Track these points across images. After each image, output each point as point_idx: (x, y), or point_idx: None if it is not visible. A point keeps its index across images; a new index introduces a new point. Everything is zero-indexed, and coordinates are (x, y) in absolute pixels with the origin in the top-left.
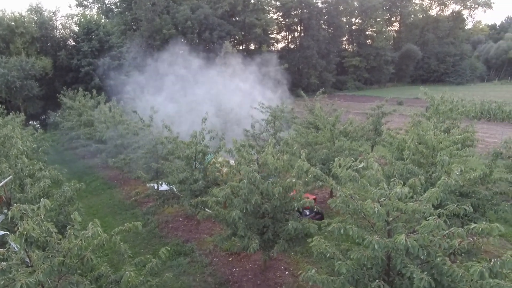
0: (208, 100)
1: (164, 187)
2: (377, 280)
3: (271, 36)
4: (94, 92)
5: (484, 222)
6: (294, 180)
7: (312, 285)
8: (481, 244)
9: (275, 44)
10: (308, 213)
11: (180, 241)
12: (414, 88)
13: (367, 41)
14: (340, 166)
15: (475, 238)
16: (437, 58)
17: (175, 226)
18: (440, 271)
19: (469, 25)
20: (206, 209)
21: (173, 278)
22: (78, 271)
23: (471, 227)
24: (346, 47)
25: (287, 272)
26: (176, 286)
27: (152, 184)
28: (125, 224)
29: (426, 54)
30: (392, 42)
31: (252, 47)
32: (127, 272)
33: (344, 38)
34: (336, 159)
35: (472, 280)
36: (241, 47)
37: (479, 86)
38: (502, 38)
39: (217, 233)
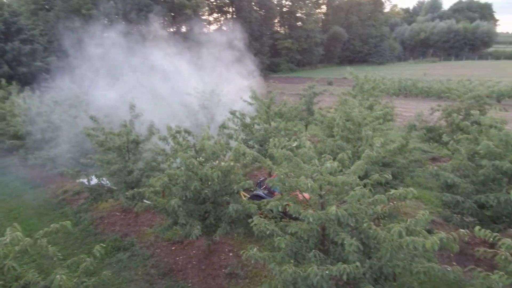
0: (140, 87)
1: (95, 181)
2: (313, 250)
3: (202, 17)
4: (3, 81)
5: (401, 188)
6: (232, 163)
7: (256, 263)
8: (400, 207)
9: (208, 26)
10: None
11: (118, 236)
12: (342, 69)
13: (298, 23)
14: (275, 146)
15: (395, 202)
16: (361, 39)
17: (112, 221)
18: (367, 235)
19: (387, 8)
20: (144, 200)
21: (113, 275)
22: (0, 282)
23: (391, 193)
24: (278, 29)
25: (231, 254)
26: (117, 283)
27: (81, 180)
28: (52, 225)
29: (351, 36)
30: (320, 24)
31: (183, 29)
32: (58, 276)
33: (276, 20)
34: (271, 140)
35: (392, 240)
36: (171, 29)
37: (397, 65)
38: (414, 21)
39: (158, 223)
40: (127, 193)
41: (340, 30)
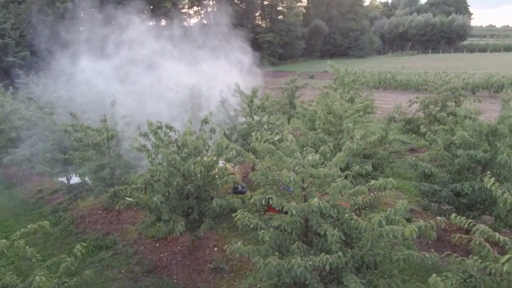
0: (119, 81)
1: (75, 179)
2: (296, 242)
3: (182, 10)
4: None
5: (381, 179)
6: (215, 158)
7: (241, 257)
8: (380, 198)
9: (188, 19)
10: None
11: (100, 235)
12: (323, 62)
13: (279, 17)
14: (257, 140)
15: (375, 193)
16: (341, 33)
17: (93, 220)
18: (348, 225)
19: (366, 2)
20: (126, 198)
21: (95, 274)
22: None
23: (371, 184)
24: (260, 23)
25: (216, 249)
26: (100, 282)
27: (60, 179)
28: (29, 226)
29: (332, 30)
30: (301, 18)
31: (163, 23)
32: (37, 277)
33: (257, 14)
34: (253, 134)
35: (373, 229)
36: (151, 23)
37: (377, 58)
38: (393, 14)
39: (141, 221)
40: (108, 191)
41: (321, 23)
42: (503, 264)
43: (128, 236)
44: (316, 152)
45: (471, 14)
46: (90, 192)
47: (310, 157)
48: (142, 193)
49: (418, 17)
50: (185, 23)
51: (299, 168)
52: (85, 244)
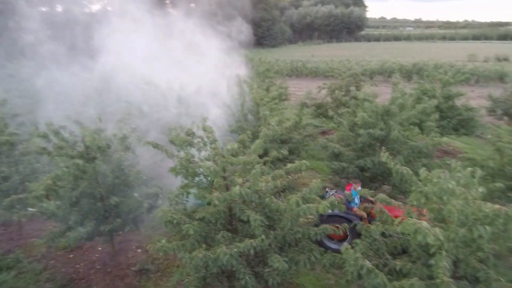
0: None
1: None
2: (221, 231)
3: None
4: None
5: (297, 161)
6: (124, 154)
7: (167, 254)
8: (297, 179)
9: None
10: None
11: None
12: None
13: (191, 5)
14: (175, 132)
15: (292, 175)
16: (255, 23)
17: None
18: (270, 209)
19: None
20: (28, 208)
21: None
22: None
23: (288, 167)
24: None
25: (140, 250)
26: None
27: None
28: None
29: (245, 19)
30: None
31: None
32: None
33: (167, 1)
34: (169, 126)
35: (292, 210)
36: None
37: (289, 47)
38: (301, 5)
39: (49, 232)
40: (4, 202)
41: (233, 13)
42: (397, 225)
43: (35, 251)
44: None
45: (366, 6)
46: None
47: (229, 146)
48: (46, 201)
49: (323, 8)
50: None
51: (219, 158)
52: None
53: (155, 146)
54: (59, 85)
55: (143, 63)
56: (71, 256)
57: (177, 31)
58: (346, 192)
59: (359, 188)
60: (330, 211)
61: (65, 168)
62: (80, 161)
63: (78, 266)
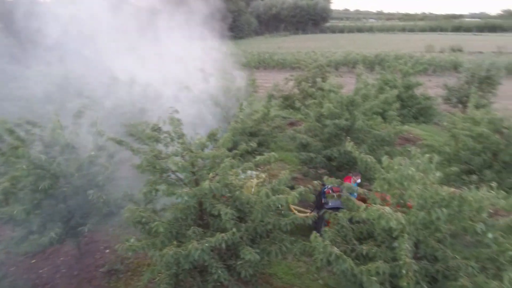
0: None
1: None
2: (192, 227)
3: None
4: None
5: (266, 154)
6: (93, 153)
7: (137, 253)
8: (267, 171)
9: None
10: None
11: None
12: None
13: None
14: (141, 127)
15: (262, 167)
16: (220, 14)
17: None
18: (240, 202)
19: None
20: None
21: None
22: None
23: (257, 159)
24: None
25: (108, 251)
26: None
27: None
28: None
29: (210, 11)
30: None
31: None
32: None
33: None
34: (136, 122)
35: (262, 201)
36: None
37: (255, 39)
38: None
39: (7, 237)
40: None
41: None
42: (362, 212)
43: None
44: None
45: None
46: None
47: (197, 141)
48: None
49: None
50: None
51: (187, 153)
52: None
53: (119, 142)
54: (13, 81)
55: (105, 56)
56: (33, 261)
57: (139, 20)
58: (347, 184)
59: (359, 180)
60: (330, 203)
61: (24, 167)
62: (43, 156)
63: (41, 271)
